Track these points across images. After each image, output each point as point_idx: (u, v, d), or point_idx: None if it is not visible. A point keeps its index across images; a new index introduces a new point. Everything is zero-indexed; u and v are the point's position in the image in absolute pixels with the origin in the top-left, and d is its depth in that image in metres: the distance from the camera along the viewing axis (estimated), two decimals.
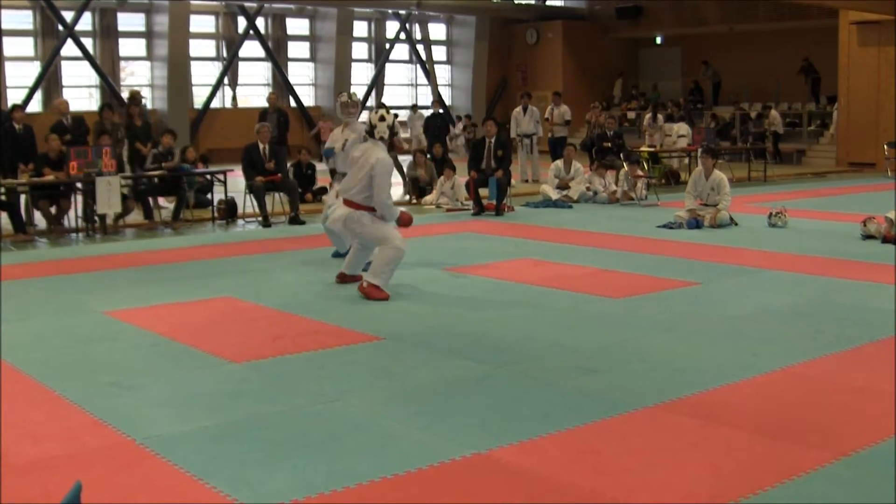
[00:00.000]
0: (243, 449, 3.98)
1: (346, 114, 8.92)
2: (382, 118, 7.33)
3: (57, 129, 12.62)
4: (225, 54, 24.93)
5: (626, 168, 14.34)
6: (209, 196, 12.80)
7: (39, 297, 7.42)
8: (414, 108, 25.69)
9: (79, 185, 11.10)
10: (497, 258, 9.02)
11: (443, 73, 29.09)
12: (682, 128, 18.50)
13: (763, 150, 19.55)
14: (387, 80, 28.15)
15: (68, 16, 21.85)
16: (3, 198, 10.93)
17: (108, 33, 22.99)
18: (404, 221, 7.53)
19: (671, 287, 7.47)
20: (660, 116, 20.19)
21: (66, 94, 22.06)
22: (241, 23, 24.92)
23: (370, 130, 7.34)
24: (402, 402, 4.63)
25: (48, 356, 5.58)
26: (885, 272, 7.89)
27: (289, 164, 14.09)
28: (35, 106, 21.45)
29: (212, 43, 24.99)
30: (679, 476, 3.65)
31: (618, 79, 28.46)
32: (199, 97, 24.49)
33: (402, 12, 27.22)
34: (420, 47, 28.02)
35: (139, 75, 24.09)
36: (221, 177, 12.65)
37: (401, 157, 16.34)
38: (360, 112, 9.26)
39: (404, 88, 28.94)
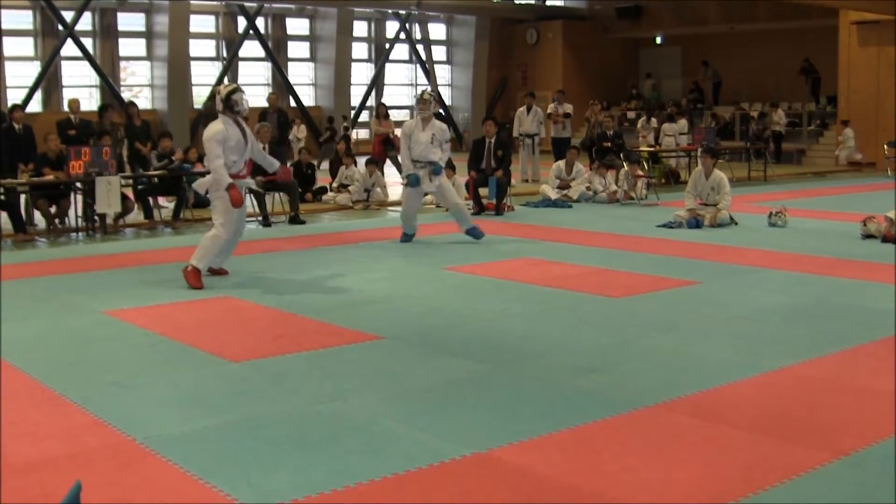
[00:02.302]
0: (243, 448, 3.98)
1: (421, 109, 9.70)
2: (218, 92, 7.93)
3: (63, 125, 12.81)
4: (225, 54, 24.94)
5: (626, 168, 14.34)
6: (209, 196, 12.77)
7: (39, 297, 7.42)
8: None
9: (79, 184, 11.11)
10: (497, 258, 9.02)
11: (443, 73, 29.10)
12: (670, 128, 18.72)
13: (763, 150, 19.56)
14: (387, 80, 28.16)
15: (68, 16, 21.85)
16: (3, 198, 10.93)
17: (108, 33, 23.00)
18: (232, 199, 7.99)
19: (671, 286, 7.47)
20: (653, 119, 20.38)
21: (67, 94, 22.09)
22: (241, 23, 24.93)
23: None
24: (402, 402, 4.63)
25: (48, 356, 5.58)
26: (885, 272, 7.89)
27: (289, 164, 14.11)
28: (35, 106, 21.46)
29: (212, 43, 25.00)
30: (679, 476, 3.65)
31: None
32: (199, 97, 24.50)
33: (402, 12, 27.22)
34: (420, 47, 28.02)
35: (139, 75, 24.11)
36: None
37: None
38: (434, 106, 10.16)
39: (404, 88, 28.94)
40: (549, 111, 18.12)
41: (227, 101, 7.71)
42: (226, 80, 24.72)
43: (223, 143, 7.69)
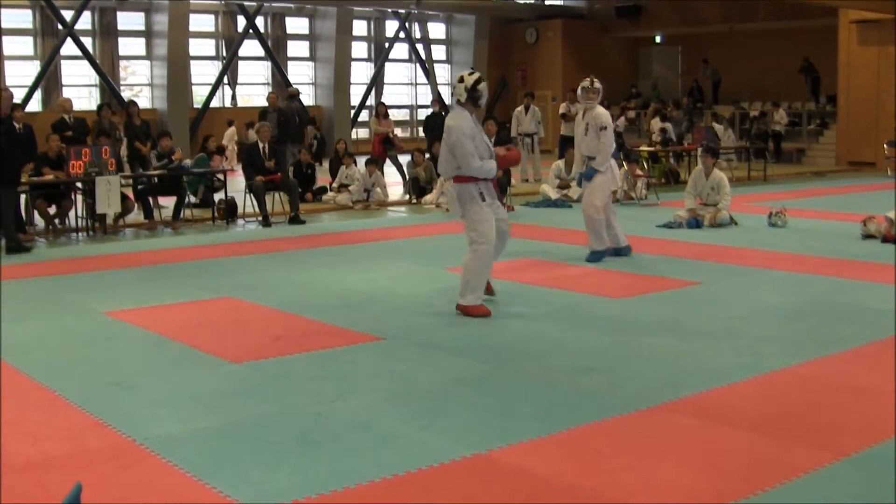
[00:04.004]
0: (243, 449, 3.98)
1: (586, 98, 8.74)
2: (461, 79, 6.70)
3: (59, 127, 12.65)
4: (224, 53, 24.92)
5: (625, 167, 14.33)
6: (216, 195, 12.74)
7: (39, 297, 7.42)
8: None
9: (79, 184, 11.11)
10: (497, 258, 8.99)
11: (442, 73, 29.09)
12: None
13: (763, 149, 19.56)
14: (386, 79, 28.15)
15: (68, 15, 21.83)
16: None
17: (107, 32, 22.98)
18: (509, 160, 7.05)
19: (671, 287, 7.47)
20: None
21: (66, 93, 22.05)
22: (241, 22, 24.91)
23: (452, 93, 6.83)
24: (402, 402, 4.63)
25: (48, 356, 5.58)
26: (885, 272, 7.89)
27: (289, 164, 14.11)
28: (35, 105, 21.44)
29: (211, 42, 24.98)
30: (679, 476, 3.65)
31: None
32: (198, 96, 24.49)
33: (402, 11, 27.21)
34: (420, 46, 28.01)
35: (139, 74, 24.10)
36: (221, 176, 12.66)
37: (400, 157, 16.42)
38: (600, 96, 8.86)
39: (404, 87, 28.94)
40: (561, 111, 18.08)
41: (472, 92, 6.59)
42: (225, 79, 24.78)
43: (472, 139, 6.51)
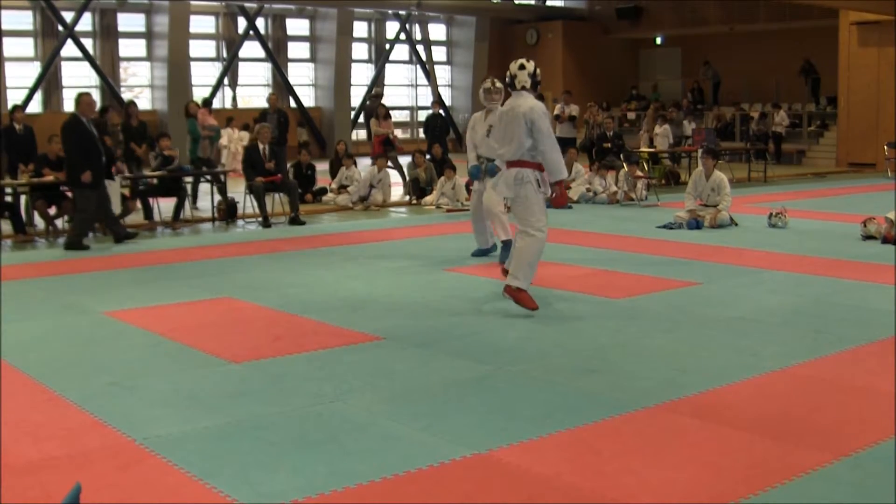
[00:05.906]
0: (243, 449, 3.97)
1: (489, 100, 8.56)
2: (522, 66, 6.67)
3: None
4: (225, 55, 24.94)
5: (625, 168, 14.34)
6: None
7: (39, 297, 7.42)
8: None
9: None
10: (497, 259, 9.00)
11: (443, 74, 29.09)
12: (663, 129, 18.83)
13: (764, 150, 19.58)
14: (387, 80, 28.15)
15: (68, 16, 21.86)
16: (10, 199, 10.92)
17: (108, 34, 23.00)
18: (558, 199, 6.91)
19: (671, 287, 7.47)
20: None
21: (67, 94, 22.07)
22: (242, 23, 24.93)
23: (511, 82, 6.71)
24: (402, 402, 4.63)
25: (48, 356, 5.58)
26: (885, 272, 7.89)
27: (289, 165, 14.11)
28: (35, 106, 21.46)
29: (212, 43, 24.99)
30: (679, 476, 3.65)
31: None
32: (199, 98, 24.47)
33: (402, 13, 27.23)
34: (420, 48, 28.02)
35: (140, 76, 24.11)
36: (221, 177, 12.66)
37: (401, 158, 16.42)
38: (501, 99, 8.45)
39: (404, 89, 28.95)
40: (555, 112, 18.10)
41: (535, 77, 6.65)
42: (226, 81, 24.77)
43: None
